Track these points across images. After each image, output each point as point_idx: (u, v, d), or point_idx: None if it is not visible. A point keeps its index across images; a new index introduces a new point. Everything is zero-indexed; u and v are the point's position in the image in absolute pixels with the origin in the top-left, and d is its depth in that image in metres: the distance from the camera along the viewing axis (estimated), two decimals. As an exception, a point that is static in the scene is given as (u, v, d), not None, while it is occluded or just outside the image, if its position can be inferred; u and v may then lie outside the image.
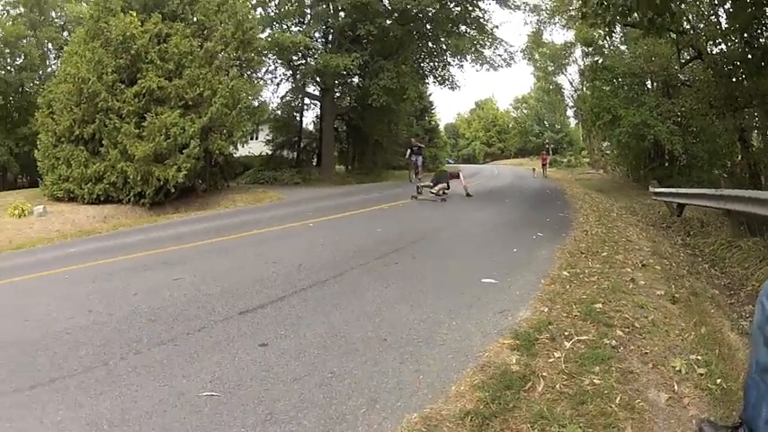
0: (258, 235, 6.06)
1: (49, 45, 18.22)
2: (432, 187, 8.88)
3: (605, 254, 4.27)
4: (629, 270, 3.76)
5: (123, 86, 10.35)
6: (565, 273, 3.62)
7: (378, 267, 3.95)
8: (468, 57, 16.62)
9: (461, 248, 4.72)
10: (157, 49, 10.42)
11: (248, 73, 12.26)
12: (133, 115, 10.08)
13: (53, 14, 18.52)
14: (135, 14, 10.36)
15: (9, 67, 17.19)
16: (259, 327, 2.69)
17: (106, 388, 2.13)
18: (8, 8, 17.55)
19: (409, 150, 14.07)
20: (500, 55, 16.77)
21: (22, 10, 17.50)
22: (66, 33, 18.02)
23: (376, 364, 2.19)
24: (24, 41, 16.91)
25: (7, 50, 16.81)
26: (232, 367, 2.21)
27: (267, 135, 17.68)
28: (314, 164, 17.84)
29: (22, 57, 17.09)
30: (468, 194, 9.15)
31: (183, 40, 10.51)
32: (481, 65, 16.91)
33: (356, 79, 16.62)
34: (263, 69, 14.32)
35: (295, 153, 17.46)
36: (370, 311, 2.86)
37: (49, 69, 17.59)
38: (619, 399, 1.81)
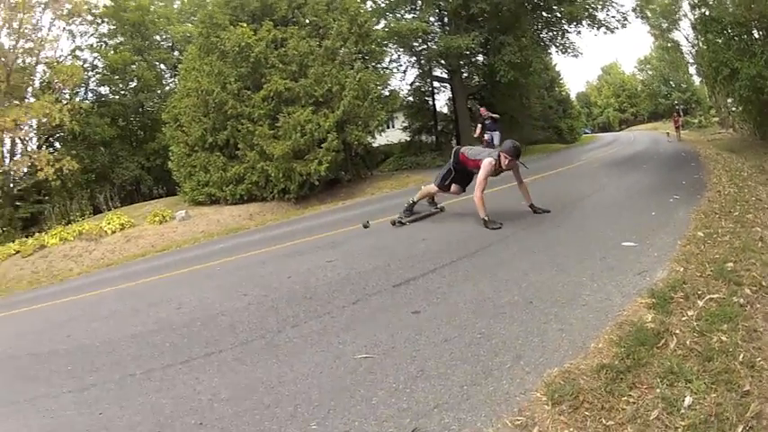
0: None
1: (161, 66, 20.17)
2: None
3: (737, 213, 4.35)
4: (758, 229, 3.83)
5: (249, 92, 11.17)
6: (699, 233, 3.74)
7: (524, 237, 4.20)
8: (584, 22, 16.43)
9: (604, 214, 4.90)
10: (276, 53, 11.18)
11: (372, 64, 12.76)
12: (265, 118, 10.84)
13: (157, 38, 20.50)
14: (246, 25, 11.20)
15: (123, 91, 19.11)
16: (411, 297, 2.91)
17: (263, 357, 2.36)
18: (105, 39, 19.62)
19: (479, 126, 12.17)
20: (613, 16, 16.39)
21: (121, 39, 19.58)
22: (176, 53, 19.90)
23: (522, 324, 2.38)
24: (134, 66, 18.83)
25: (116, 77, 18.75)
26: (386, 333, 2.45)
27: (403, 122, 18.46)
28: (453, 146, 18.17)
29: (136, 80, 18.99)
30: (535, 209, 5.12)
31: (300, 42, 11.17)
32: (597, 28, 16.54)
33: (480, 58, 17.07)
34: (387, 59, 14.70)
35: (433, 137, 18.11)
36: (517, 277, 3.07)
37: (167, 88, 19.46)
38: (742, 356, 1.91)
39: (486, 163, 4.67)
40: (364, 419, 1.73)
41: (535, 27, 16.66)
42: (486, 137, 11.84)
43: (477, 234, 4.40)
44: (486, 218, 4.53)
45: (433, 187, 5.40)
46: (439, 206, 5.71)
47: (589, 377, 1.84)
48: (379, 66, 13.16)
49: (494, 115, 12.15)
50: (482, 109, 12.68)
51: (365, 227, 5.28)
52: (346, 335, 2.47)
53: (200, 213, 11.03)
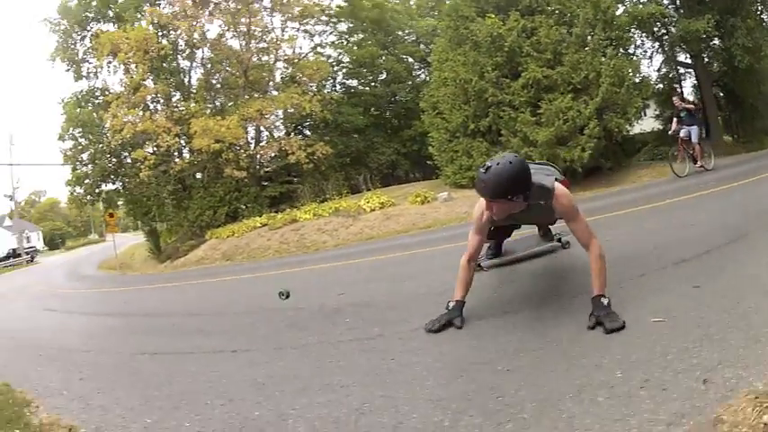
0: (670, 203, 7.29)
1: (409, 59, 23.72)
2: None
3: None
4: None
5: (508, 81, 12.87)
6: None
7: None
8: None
9: None
10: (528, 42, 12.74)
11: (620, 51, 13.67)
12: (526, 105, 12.39)
13: (399, 33, 23.98)
14: (493, 16, 12.87)
15: (373, 83, 23.21)
16: (690, 274, 3.45)
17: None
18: (345, 37, 23.52)
19: (674, 120, 11.11)
20: None
21: (362, 35, 23.30)
22: (421, 46, 23.36)
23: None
24: (381, 60, 22.51)
25: (364, 70, 22.71)
26: (673, 303, 2.94)
27: (655, 110, 18.74)
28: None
29: (385, 72, 22.90)
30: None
31: (550, 30, 12.57)
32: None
33: (717, 41, 16.71)
34: (632, 45, 15.46)
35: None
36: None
37: (418, 79, 23.08)
38: None
39: (477, 212, 3.36)
40: (662, 371, 2.15)
41: (757, 8, 15.81)
42: (683, 133, 10.60)
43: (753, 218, 5.00)
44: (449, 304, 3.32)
45: None
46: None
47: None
48: (626, 52, 14.13)
49: (689, 106, 11.21)
50: (675, 98, 12.01)
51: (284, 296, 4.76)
52: (639, 302, 3.05)
53: (462, 195, 12.59)
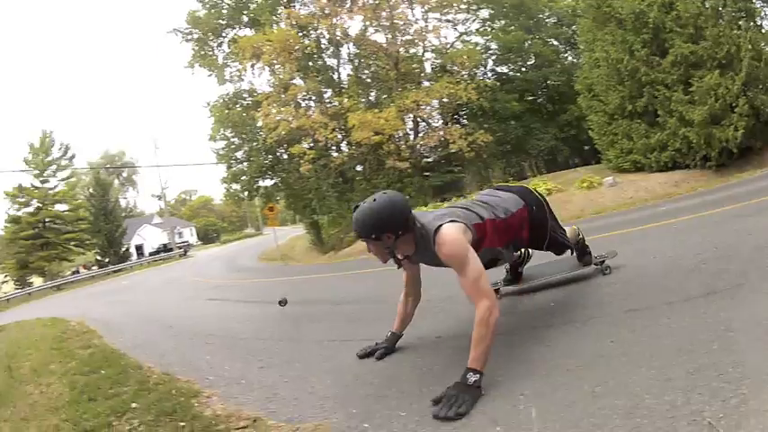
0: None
1: (554, 41, 28.36)
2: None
3: None
4: None
5: (657, 58, 15.77)
6: None
7: None
8: None
9: None
10: (669, 17, 15.20)
11: (752, 23, 15.80)
12: (678, 83, 15.45)
13: (540, 15, 28.72)
14: None
15: (524, 68, 28.07)
16: None
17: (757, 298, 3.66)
18: (488, 24, 28.46)
19: None
20: None
21: (503, 21, 28.29)
22: (564, 27, 27.95)
23: None
24: (528, 44, 27.22)
25: (513, 55, 27.71)
26: None
27: None
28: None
29: (533, 57, 27.59)
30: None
31: (687, 3, 14.79)
32: None
33: None
34: (760, 17, 17.53)
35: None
36: None
37: (566, 62, 27.64)
38: None
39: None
40: None
41: None
42: None
43: None
44: None
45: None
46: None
47: None
48: (758, 24, 15.91)
49: None
50: None
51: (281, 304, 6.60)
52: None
53: (626, 180, 15.40)
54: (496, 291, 4.95)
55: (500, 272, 5.22)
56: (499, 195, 4.20)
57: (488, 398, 2.90)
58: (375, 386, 3.64)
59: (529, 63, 28.66)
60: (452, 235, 3.31)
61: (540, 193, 4.48)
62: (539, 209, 4.23)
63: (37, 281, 50.22)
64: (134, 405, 4.53)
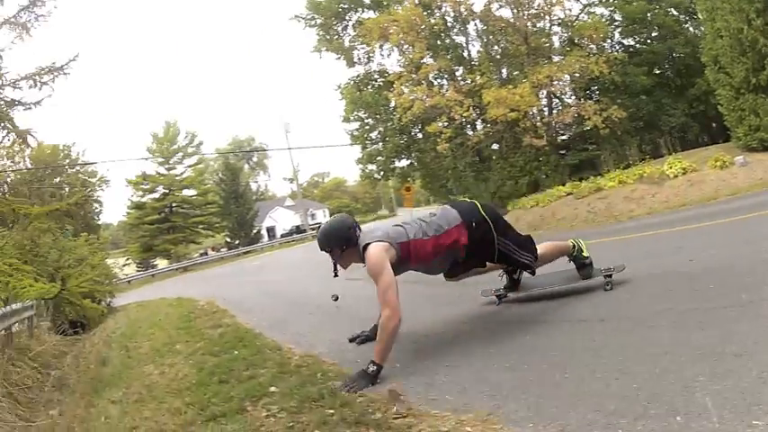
0: None
1: (673, 11, 30.60)
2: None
3: None
4: None
5: None
6: None
7: None
8: None
9: None
10: None
11: None
12: None
13: None
14: None
15: (649, 40, 30.98)
16: None
17: None
18: None
19: None
20: None
21: None
22: None
23: None
24: (651, 15, 29.97)
25: (636, 25, 30.56)
26: None
27: None
28: None
29: (657, 28, 30.46)
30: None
31: None
32: None
33: None
34: None
35: None
36: None
37: (689, 32, 30.08)
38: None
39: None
40: None
41: None
42: None
43: None
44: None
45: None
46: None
47: None
48: None
49: None
50: None
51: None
52: None
53: (755, 159, 16.43)
54: (501, 297, 6.77)
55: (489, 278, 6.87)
56: (441, 213, 5.78)
57: (661, 385, 3.34)
58: (547, 371, 3.99)
59: (653, 35, 30.71)
60: (374, 253, 5.14)
61: (488, 210, 5.83)
62: (479, 225, 5.59)
63: (161, 263, 60.20)
64: (272, 389, 4.94)
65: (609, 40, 30.21)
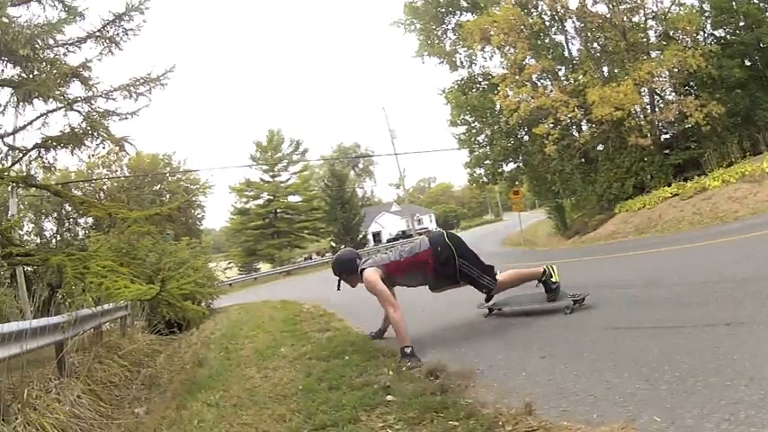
0: None
1: None
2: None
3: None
4: None
5: None
6: None
7: None
8: None
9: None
10: None
11: None
12: None
13: None
14: None
15: (737, 30, 30.33)
16: None
17: None
18: None
19: None
20: None
21: None
22: None
23: None
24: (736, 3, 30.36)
25: (724, 15, 30.24)
26: None
27: None
28: None
29: (743, 17, 30.14)
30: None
31: None
32: None
33: None
34: None
35: None
36: None
37: None
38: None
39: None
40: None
41: None
42: None
43: None
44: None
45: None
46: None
47: None
48: None
49: None
50: None
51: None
52: None
53: None
54: (492, 310, 8.57)
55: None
56: (417, 242, 8.12)
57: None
58: (678, 380, 4.03)
59: (740, 24, 29.84)
60: (368, 275, 7.40)
61: (452, 238, 7.97)
62: (444, 249, 7.67)
63: (264, 267, 65.66)
64: (389, 398, 4.94)
65: (701, 33, 30.24)
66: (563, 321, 7.01)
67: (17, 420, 5.44)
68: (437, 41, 36.11)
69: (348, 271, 8.08)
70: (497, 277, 7.99)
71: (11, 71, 10.53)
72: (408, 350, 6.62)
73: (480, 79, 35.40)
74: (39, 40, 10.20)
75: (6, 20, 9.03)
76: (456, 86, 36.19)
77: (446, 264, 7.76)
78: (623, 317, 6.59)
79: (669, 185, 23.51)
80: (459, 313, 9.01)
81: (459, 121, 36.17)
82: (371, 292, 7.48)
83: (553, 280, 7.92)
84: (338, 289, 8.14)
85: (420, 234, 63.03)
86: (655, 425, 3.37)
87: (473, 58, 34.96)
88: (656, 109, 28.70)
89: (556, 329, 6.63)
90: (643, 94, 28.21)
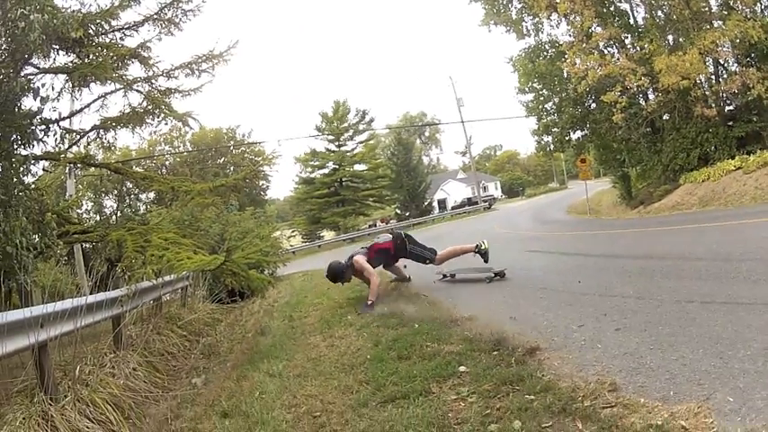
0: None
1: None
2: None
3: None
4: None
5: None
6: None
7: None
8: None
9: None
10: None
11: None
12: None
13: None
14: None
15: None
16: None
17: None
18: None
19: None
20: None
21: None
22: None
23: None
24: None
25: None
26: None
27: None
28: None
29: None
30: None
31: None
32: None
33: None
34: None
35: None
36: None
37: None
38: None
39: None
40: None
41: None
42: None
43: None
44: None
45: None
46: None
47: None
48: None
49: None
50: None
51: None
52: None
53: None
54: (445, 275, 12.67)
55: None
56: (383, 235, 13.06)
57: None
58: (750, 359, 4.09)
59: None
60: (357, 259, 11.58)
61: (405, 235, 12.47)
62: (400, 240, 12.20)
63: (328, 235, 68.23)
64: (462, 368, 5.05)
65: (759, 3, 28.83)
66: (634, 292, 7.31)
67: (66, 399, 5.63)
68: (503, 10, 36.79)
69: (341, 277, 11.80)
70: (438, 254, 12.23)
71: (63, 59, 11.58)
72: (370, 303, 10.31)
73: (548, 47, 36.23)
74: (92, 26, 11.23)
75: (51, 8, 9.30)
76: (523, 54, 37.49)
77: (402, 248, 12.21)
78: (695, 290, 6.80)
79: (732, 158, 24.51)
80: (535, 284, 9.58)
81: (527, 89, 37.83)
82: (362, 270, 11.47)
83: (484, 247, 11.94)
84: (342, 284, 12.29)
85: (485, 201, 68.12)
86: (728, 405, 3.52)
87: (539, 26, 35.92)
88: (720, 80, 29.13)
89: (627, 300, 6.90)
90: (707, 64, 28.51)
